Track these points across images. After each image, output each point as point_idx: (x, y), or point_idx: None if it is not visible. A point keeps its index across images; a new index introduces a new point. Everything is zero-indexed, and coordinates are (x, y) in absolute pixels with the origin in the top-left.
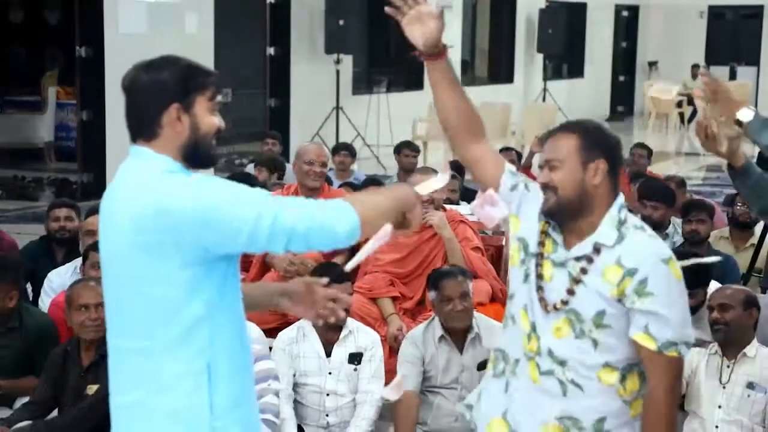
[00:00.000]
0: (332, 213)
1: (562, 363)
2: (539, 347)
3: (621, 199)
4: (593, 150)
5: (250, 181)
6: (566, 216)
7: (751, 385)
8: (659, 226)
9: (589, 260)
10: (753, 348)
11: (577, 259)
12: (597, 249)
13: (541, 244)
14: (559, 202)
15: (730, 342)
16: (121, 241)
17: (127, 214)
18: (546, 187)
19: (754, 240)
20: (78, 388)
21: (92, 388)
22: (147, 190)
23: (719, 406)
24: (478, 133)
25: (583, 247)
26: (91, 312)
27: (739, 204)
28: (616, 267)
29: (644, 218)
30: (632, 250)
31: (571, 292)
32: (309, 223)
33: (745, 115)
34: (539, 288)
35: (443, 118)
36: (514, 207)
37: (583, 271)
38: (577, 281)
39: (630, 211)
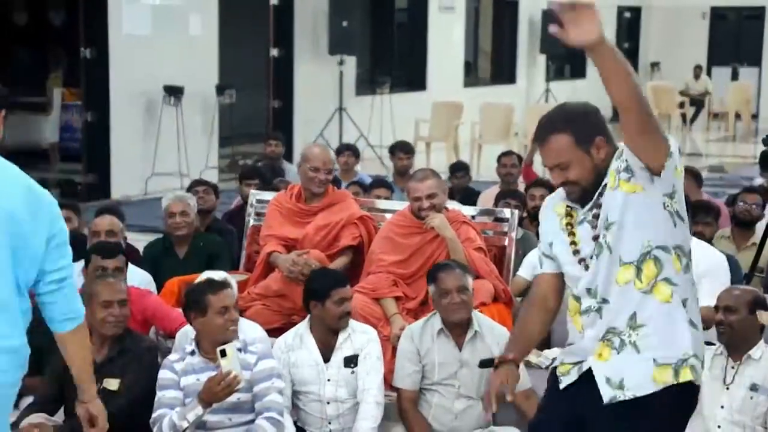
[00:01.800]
0: None
1: (593, 293)
2: (577, 298)
3: (620, 148)
4: (587, 135)
5: (259, 173)
6: (592, 192)
7: (754, 387)
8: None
9: (600, 194)
10: (759, 350)
11: (590, 209)
12: (601, 193)
13: (569, 215)
14: (583, 189)
15: (736, 344)
16: None
17: None
18: (564, 184)
19: (756, 239)
20: None
21: (110, 382)
22: None
23: (722, 407)
24: (535, 318)
25: (594, 200)
26: (114, 308)
27: (740, 203)
28: (611, 172)
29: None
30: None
31: (595, 238)
32: None
33: None
34: (575, 252)
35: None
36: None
37: (597, 205)
38: (596, 216)
39: None
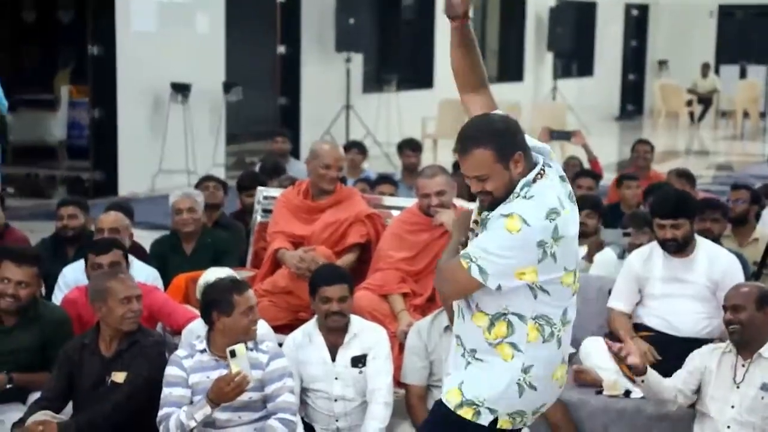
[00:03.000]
0: None
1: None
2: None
3: (530, 176)
4: (508, 151)
5: (258, 181)
6: (501, 201)
7: (765, 387)
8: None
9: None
10: None
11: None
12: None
13: (475, 222)
14: (495, 199)
15: (746, 342)
16: None
17: None
18: (480, 193)
19: (758, 234)
20: (98, 378)
21: (118, 375)
22: None
23: (732, 407)
24: (474, 85)
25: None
26: (133, 304)
27: (731, 200)
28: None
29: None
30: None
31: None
32: None
33: None
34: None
35: (453, 72)
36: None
37: (476, 222)
38: (474, 232)
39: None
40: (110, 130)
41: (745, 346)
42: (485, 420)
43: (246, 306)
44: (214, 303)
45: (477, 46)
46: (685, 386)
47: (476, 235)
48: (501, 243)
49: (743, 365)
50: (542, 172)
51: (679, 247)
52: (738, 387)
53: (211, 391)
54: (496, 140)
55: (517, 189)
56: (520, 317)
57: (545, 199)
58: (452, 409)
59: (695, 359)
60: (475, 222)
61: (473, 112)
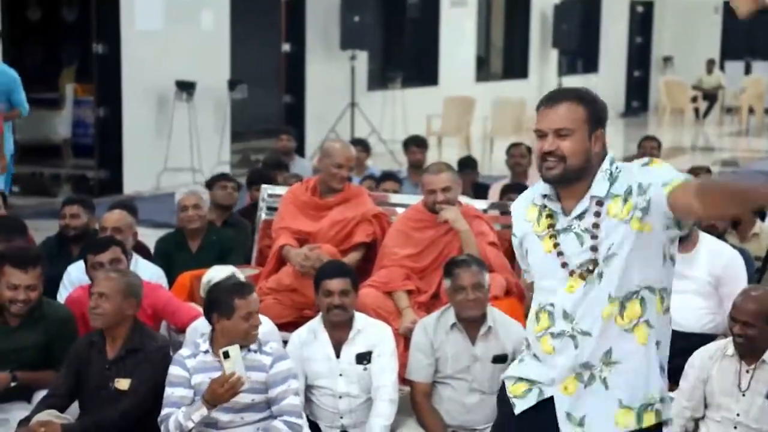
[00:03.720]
0: None
1: (572, 318)
2: (551, 315)
3: (611, 155)
4: (597, 121)
5: (265, 178)
6: (568, 181)
7: None
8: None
9: (597, 214)
10: None
11: (578, 217)
12: (599, 202)
13: (549, 216)
14: (566, 169)
15: (752, 352)
16: None
17: None
18: (551, 154)
19: (757, 230)
20: (102, 380)
21: (121, 382)
22: None
23: (737, 414)
24: None
25: (581, 205)
26: (92, 300)
27: None
28: (615, 199)
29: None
30: (623, 180)
31: (594, 249)
32: None
33: None
34: (559, 254)
35: None
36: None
37: (595, 225)
38: (594, 237)
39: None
40: (115, 128)
41: (749, 353)
42: (667, 414)
43: (246, 311)
44: (216, 304)
45: None
46: (691, 402)
47: (552, 237)
48: (676, 170)
49: (747, 371)
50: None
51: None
52: (743, 395)
53: (206, 393)
54: (591, 104)
55: (606, 165)
56: (651, 290)
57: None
58: (634, 428)
59: (694, 368)
60: (550, 218)
61: None
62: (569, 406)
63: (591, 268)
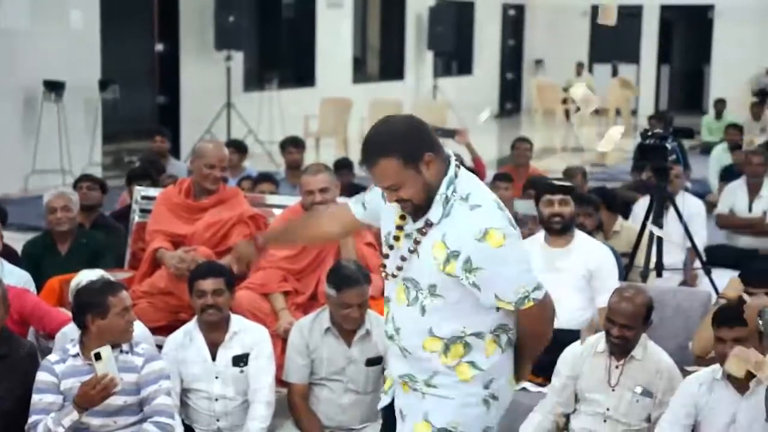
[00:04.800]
0: None
1: (397, 331)
2: (388, 312)
3: (451, 171)
4: (414, 154)
5: (144, 176)
6: (425, 206)
7: (639, 389)
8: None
9: (423, 233)
10: (640, 348)
11: (418, 230)
12: (429, 224)
13: (402, 217)
14: (417, 205)
15: (623, 350)
16: None
17: None
18: (398, 201)
19: (618, 227)
20: None
21: None
22: None
23: (607, 408)
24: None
25: (420, 222)
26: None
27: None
28: (441, 245)
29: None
30: (454, 229)
31: (403, 258)
32: None
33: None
34: (386, 256)
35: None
36: (375, 220)
37: (417, 242)
38: (411, 251)
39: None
40: None
41: (621, 352)
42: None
43: (122, 307)
44: (88, 305)
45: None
46: (561, 398)
47: (396, 239)
48: (515, 261)
49: (617, 367)
50: (457, 164)
51: (563, 226)
52: (613, 390)
53: (77, 396)
54: (400, 145)
55: (443, 189)
56: (479, 335)
57: (485, 195)
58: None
59: (566, 365)
60: (399, 228)
61: (339, 220)
62: (402, 405)
63: (395, 274)
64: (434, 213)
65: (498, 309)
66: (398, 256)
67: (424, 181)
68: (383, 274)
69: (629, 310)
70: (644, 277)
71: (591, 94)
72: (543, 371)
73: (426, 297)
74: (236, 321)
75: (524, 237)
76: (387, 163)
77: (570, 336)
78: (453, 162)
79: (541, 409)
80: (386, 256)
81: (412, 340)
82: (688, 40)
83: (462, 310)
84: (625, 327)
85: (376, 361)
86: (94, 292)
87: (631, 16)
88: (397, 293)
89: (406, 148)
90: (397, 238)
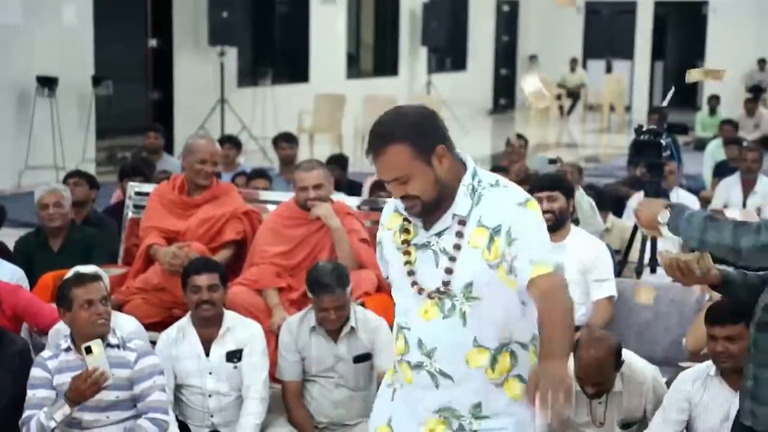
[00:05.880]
0: None
1: (429, 353)
2: (407, 341)
3: (471, 164)
4: (427, 145)
5: (140, 170)
6: (435, 209)
7: (625, 423)
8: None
9: (459, 234)
10: (618, 381)
11: (438, 234)
12: (461, 221)
13: (406, 231)
14: (425, 203)
15: (599, 394)
16: None
17: None
18: (404, 197)
19: (609, 224)
20: None
21: None
22: None
23: None
24: None
25: (442, 223)
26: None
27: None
28: (481, 229)
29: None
30: (489, 208)
31: (449, 271)
32: None
33: (663, 216)
34: (410, 273)
35: None
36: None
37: (456, 247)
38: (452, 259)
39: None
40: None
41: (598, 395)
42: None
43: (84, 299)
44: (58, 299)
45: None
46: None
47: (407, 253)
48: (545, 234)
49: (600, 402)
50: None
51: (555, 222)
52: (602, 424)
53: (68, 390)
54: (412, 133)
55: (468, 180)
56: (523, 345)
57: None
58: None
59: None
60: (406, 242)
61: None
62: None
63: (443, 290)
64: (461, 206)
65: (528, 288)
66: (433, 272)
67: (436, 177)
68: (418, 290)
69: (598, 364)
70: (638, 272)
71: (542, 88)
72: None
73: (463, 303)
74: (230, 317)
75: None
76: (396, 151)
77: None
78: (469, 157)
79: None
80: (414, 284)
81: (454, 356)
82: (682, 37)
83: (501, 310)
84: (598, 384)
85: (363, 358)
86: (63, 286)
87: (625, 13)
88: (426, 308)
89: (417, 136)
90: (408, 253)
